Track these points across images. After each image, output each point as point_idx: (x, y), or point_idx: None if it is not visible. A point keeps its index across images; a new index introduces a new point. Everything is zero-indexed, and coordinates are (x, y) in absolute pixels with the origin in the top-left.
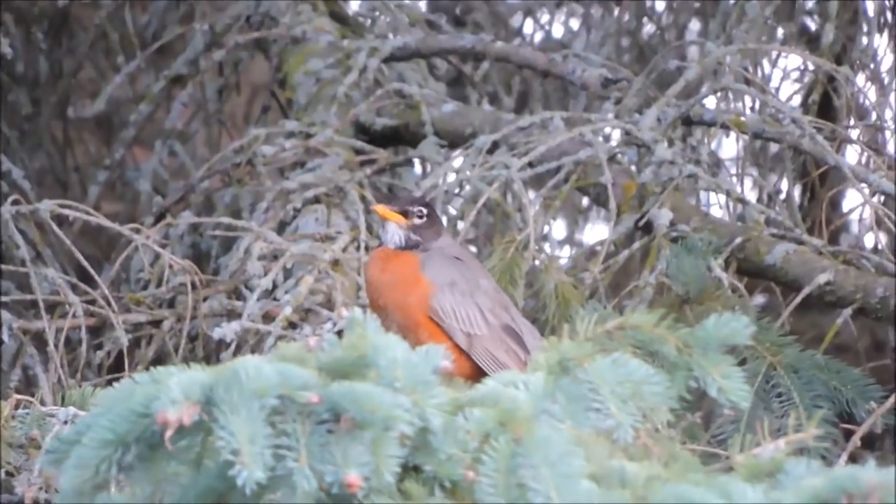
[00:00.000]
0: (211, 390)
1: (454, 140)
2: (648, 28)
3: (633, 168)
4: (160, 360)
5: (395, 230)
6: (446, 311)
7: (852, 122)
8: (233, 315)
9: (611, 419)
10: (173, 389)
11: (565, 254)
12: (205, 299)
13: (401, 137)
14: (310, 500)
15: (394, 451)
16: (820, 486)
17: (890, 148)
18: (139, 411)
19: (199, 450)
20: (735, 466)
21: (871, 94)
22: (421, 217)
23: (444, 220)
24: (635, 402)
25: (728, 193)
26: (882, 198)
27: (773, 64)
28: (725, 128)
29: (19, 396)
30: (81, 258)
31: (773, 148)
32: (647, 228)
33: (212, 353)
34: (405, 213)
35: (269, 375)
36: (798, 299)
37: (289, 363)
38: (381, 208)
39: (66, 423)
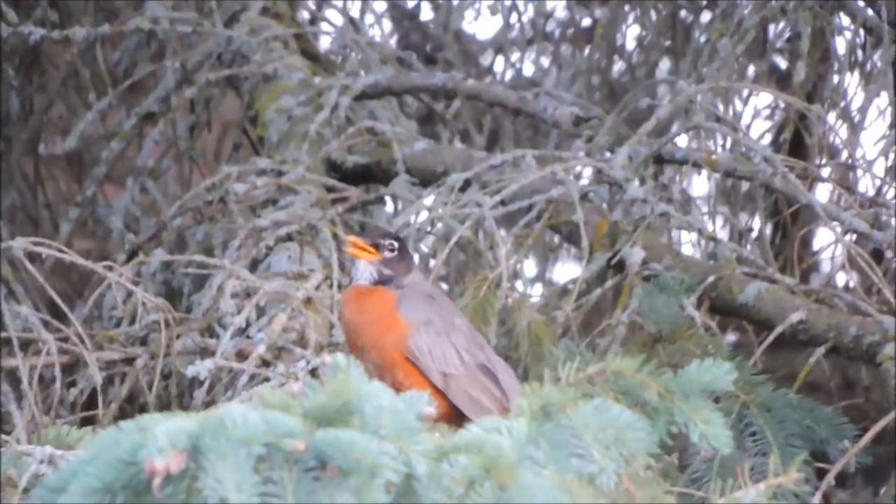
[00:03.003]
0: (198, 438)
1: (426, 178)
2: (619, 66)
3: (605, 206)
4: (133, 397)
5: (365, 266)
6: (422, 351)
7: (824, 160)
8: (206, 353)
9: (593, 464)
10: (160, 438)
11: (537, 292)
12: (178, 337)
13: (372, 175)
14: None
15: (379, 498)
16: None
17: (861, 186)
18: (126, 459)
19: (186, 497)
20: None
21: (843, 132)
22: (392, 250)
23: (417, 257)
24: (617, 447)
25: (700, 232)
26: (854, 236)
27: (745, 102)
28: (697, 166)
29: None
30: (54, 295)
31: (745, 186)
32: (620, 267)
33: (185, 390)
34: (376, 246)
35: (256, 423)
36: (771, 338)
37: (274, 410)
38: (352, 239)
39: (42, 462)
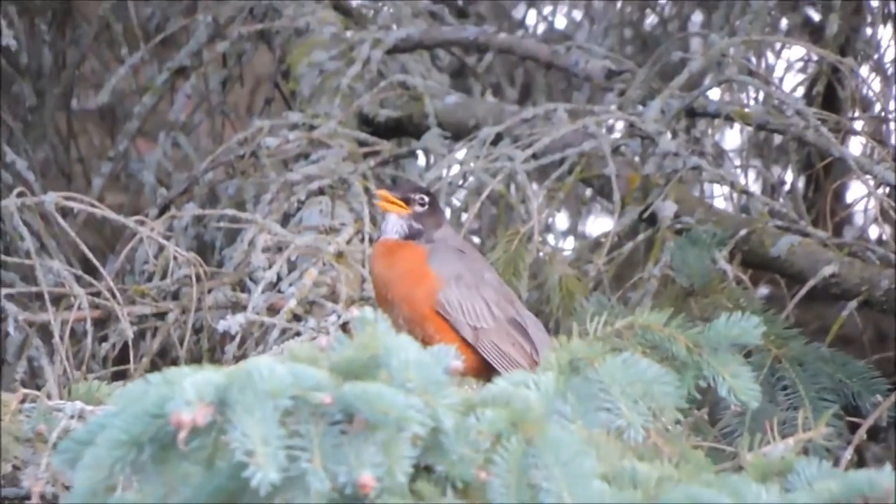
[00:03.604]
0: (225, 391)
1: (458, 132)
2: (651, 19)
3: (637, 160)
4: (165, 352)
5: (395, 220)
6: (453, 305)
7: (856, 113)
8: (237, 307)
9: (621, 419)
10: (187, 390)
11: (569, 246)
12: (209, 291)
13: (404, 129)
14: (323, 500)
15: (406, 452)
16: (835, 489)
17: (894, 139)
18: (153, 412)
19: (212, 450)
20: (745, 466)
21: (875, 84)
22: (423, 205)
23: (448, 212)
24: (645, 401)
25: (732, 185)
26: (886, 189)
27: (777, 55)
28: (729, 119)
29: (26, 391)
30: (86, 250)
31: (777, 139)
32: (651, 220)
33: (216, 345)
34: (407, 201)
35: (283, 376)
36: (803, 291)
37: (301, 363)
38: (383, 193)
39: (72, 417)
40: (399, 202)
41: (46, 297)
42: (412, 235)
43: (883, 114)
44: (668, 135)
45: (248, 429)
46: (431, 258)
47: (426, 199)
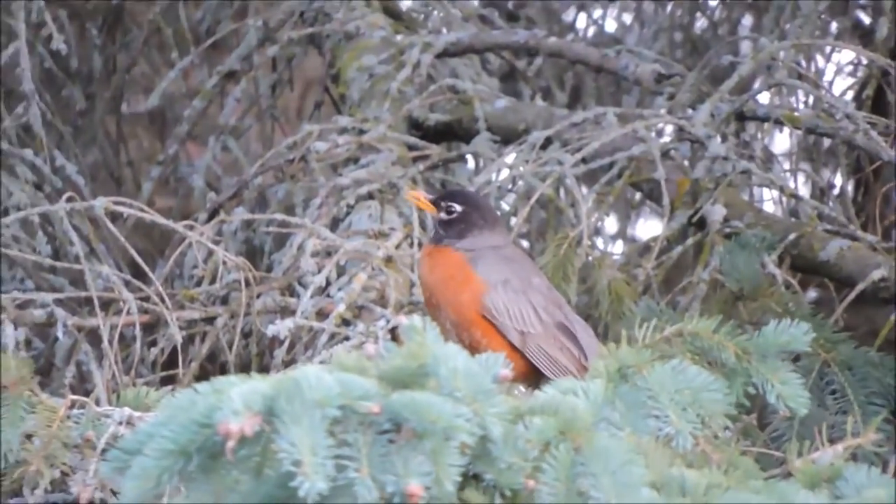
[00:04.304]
0: (272, 401)
1: (507, 136)
2: (701, 23)
3: (687, 164)
4: (213, 356)
5: (432, 224)
6: (499, 310)
7: None
8: (286, 312)
9: (670, 426)
10: (235, 400)
11: (618, 250)
12: (258, 296)
13: (454, 133)
14: None
15: (454, 461)
16: (884, 496)
17: None
18: (201, 421)
19: (260, 459)
20: (793, 472)
21: None
22: (450, 213)
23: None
24: (694, 409)
25: (781, 189)
26: None
27: (827, 59)
28: (779, 123)
29: (74, 397)
30: (135, 254)
31: (827, 143)
32: (701, 224)
33: (265, 349)
34: (435, 204)
35: (331, 385)
36: (852, 295)
37: (349, 372)
38: (413, 193)
39: (121, 423)
40: (427, 204)
41: (96, 301)
42: (438, 240)
43: None
44: (718, 138)
45: (295, 438)
46: (477, 263)
47: (456, 207)
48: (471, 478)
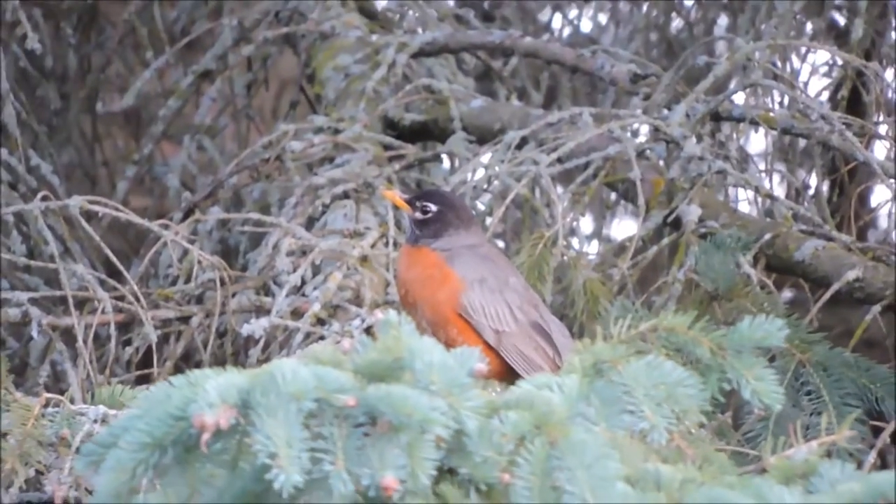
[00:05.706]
0: (248, 393)
1: (483, 136)
2: (677, 23)
3: (662, 164)
4: (189, 356)
5: (408, 224)
6: (476, 308)
7: (881, 117)
8: (261, 311)
9: (645, 421)
10: (210, 393)
11: (593, 250)
12: (233, 295)
13: (429, 133)
14: (346, 502)
15: (430, 454)
16: (858, 491)
17: None
18: (176, 414)
19: (235, 452)
20: (768, 468)
21: None
22: (426, 212)
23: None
24: (669, 404)
25: (757, 189)
26: None
27: (802, 59)
28: (754, 123)
29: (49, 395)
30: (110, 254)
31: (802, 143)
32: (676, 224)
33: (240, 349)
34: (411, 204)
35: (306, 378)
36: (827, 296)
37: (325, 366)
38: (389, 192)
39: (95, 421)
40: (403, 203)
41: (70, 300)
42: (414, 240)
43: None
44: (693, 139)
45: (271, 431)
46: (454, 261)
47: (431, 207)
48: (446, 472)
